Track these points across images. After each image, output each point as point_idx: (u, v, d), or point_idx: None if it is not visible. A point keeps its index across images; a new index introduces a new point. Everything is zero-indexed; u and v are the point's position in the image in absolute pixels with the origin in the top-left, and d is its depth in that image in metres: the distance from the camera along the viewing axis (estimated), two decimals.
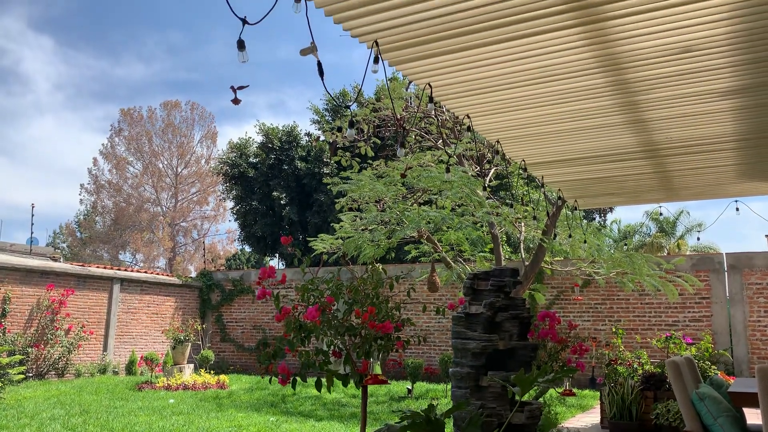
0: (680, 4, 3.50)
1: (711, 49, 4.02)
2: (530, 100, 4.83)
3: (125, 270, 17.13)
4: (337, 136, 11.81)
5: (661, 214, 18.09)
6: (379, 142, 12.56)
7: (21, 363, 12.49)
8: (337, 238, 10.82)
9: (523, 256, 11.03)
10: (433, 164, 11.09)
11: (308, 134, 23.87)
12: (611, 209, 25.66)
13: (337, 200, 11.36)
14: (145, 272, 17.43)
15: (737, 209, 9.74)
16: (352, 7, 3.48)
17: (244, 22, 2.87)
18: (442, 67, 4.25)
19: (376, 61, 3.79)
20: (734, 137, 5.66)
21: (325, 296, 4.19)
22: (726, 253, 13.13)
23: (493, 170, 11.47)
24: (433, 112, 10.58)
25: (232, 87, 3.31)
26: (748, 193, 8.17)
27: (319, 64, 3.41)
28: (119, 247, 39.73)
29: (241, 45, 2.95)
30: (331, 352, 4.19)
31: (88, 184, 39.52)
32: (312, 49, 3.33)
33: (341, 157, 11.88)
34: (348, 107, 4.34)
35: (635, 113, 5.08)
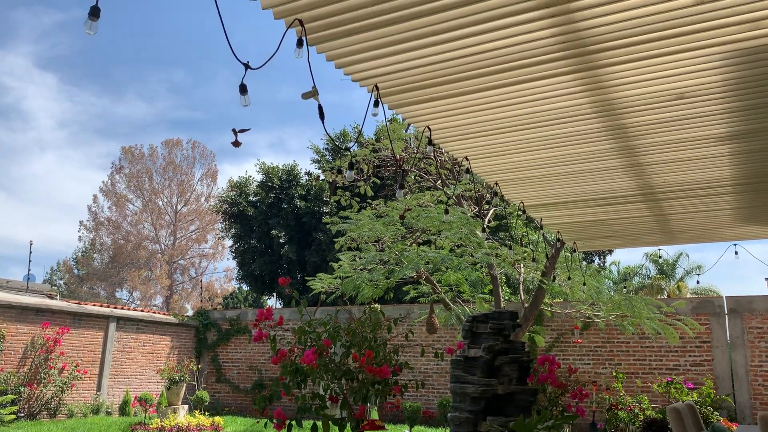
0: (674, 53, 3.58)
1: (705, 96, 4.10)
2: (528, 143, 4.89)
3: (121, 308, 16.99)
4: (336, 176, 11.89)
5: (660, 256, 18.09)
6: (378, 181, 12.62)
7: (13, 403, 12.28)
8: (335, 278, 10.77)
9: (523, 297, 10.98)
10: (432, 204, 11.13)
11: (308, 173, 24.00)
12: (610, 251, 25.63)
13: (336, 239, 11.36)
14: (142, 311, 17.28)
15: (736, 252, 9.75)
16: (352, 53, 3.56)
17: (247, 66, 2.93)
18: (441, 111, 4.32)
19: (376, 104, 3.84)
20: (730, 182, 5.71)
21: (322, 339, 4.16)
22: (726, 297, 13.05)
23: (491, 211, 11.51)
24: (432, 154, 10.66)
25: (233, 130, 3.35)
26: (746, 237, 8.19)
27: (320, 108, 3.46)
28: (116, 284, 39.51)
29: (243, 89, 3.00)
30: (327, 396, 4.13)
31: (88, 221, 39.57)
32: (313, 93, 3.38)
33: (341, 196, 11.92)
34: (348, 148, 4.39)
35: (631, 157, 5.14)
